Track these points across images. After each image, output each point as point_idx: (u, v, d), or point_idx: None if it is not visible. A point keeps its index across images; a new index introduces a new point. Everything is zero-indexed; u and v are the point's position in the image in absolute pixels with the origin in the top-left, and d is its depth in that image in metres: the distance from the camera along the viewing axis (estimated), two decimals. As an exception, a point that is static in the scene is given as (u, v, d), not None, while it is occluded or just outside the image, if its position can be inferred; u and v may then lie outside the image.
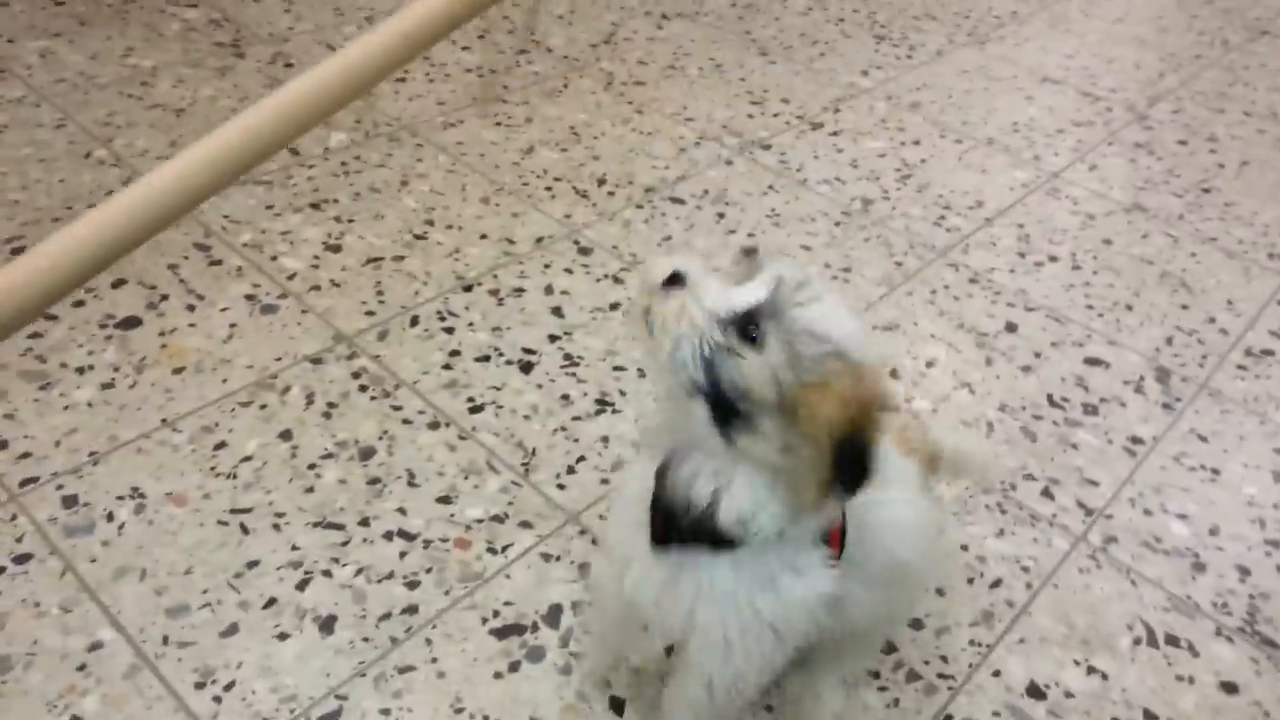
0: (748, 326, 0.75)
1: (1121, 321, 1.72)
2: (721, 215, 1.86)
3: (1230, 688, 1.18)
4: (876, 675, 1.14)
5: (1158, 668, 1.19)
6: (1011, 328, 1.68)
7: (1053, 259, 1.86)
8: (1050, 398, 1.55)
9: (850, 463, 0.75)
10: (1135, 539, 1.34)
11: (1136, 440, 1.49)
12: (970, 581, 1.26)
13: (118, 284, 1.53)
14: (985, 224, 1.93)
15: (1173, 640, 1.22)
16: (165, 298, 1.52)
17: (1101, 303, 1.76)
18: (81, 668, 1.05)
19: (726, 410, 0.76)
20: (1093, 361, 1.63)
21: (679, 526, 0.81)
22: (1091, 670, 1.18)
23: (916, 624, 1.20)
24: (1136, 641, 1.22)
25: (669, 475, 0.81)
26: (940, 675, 1.15)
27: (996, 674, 1.16)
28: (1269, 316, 1.77)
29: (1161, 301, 1.78)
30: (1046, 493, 1.39)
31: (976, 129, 2.24)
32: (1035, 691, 1.15)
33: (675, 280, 0.77)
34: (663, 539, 0.83)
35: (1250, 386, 1.61)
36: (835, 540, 0.86)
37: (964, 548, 1.30)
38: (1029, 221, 1.95)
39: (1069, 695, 1.15)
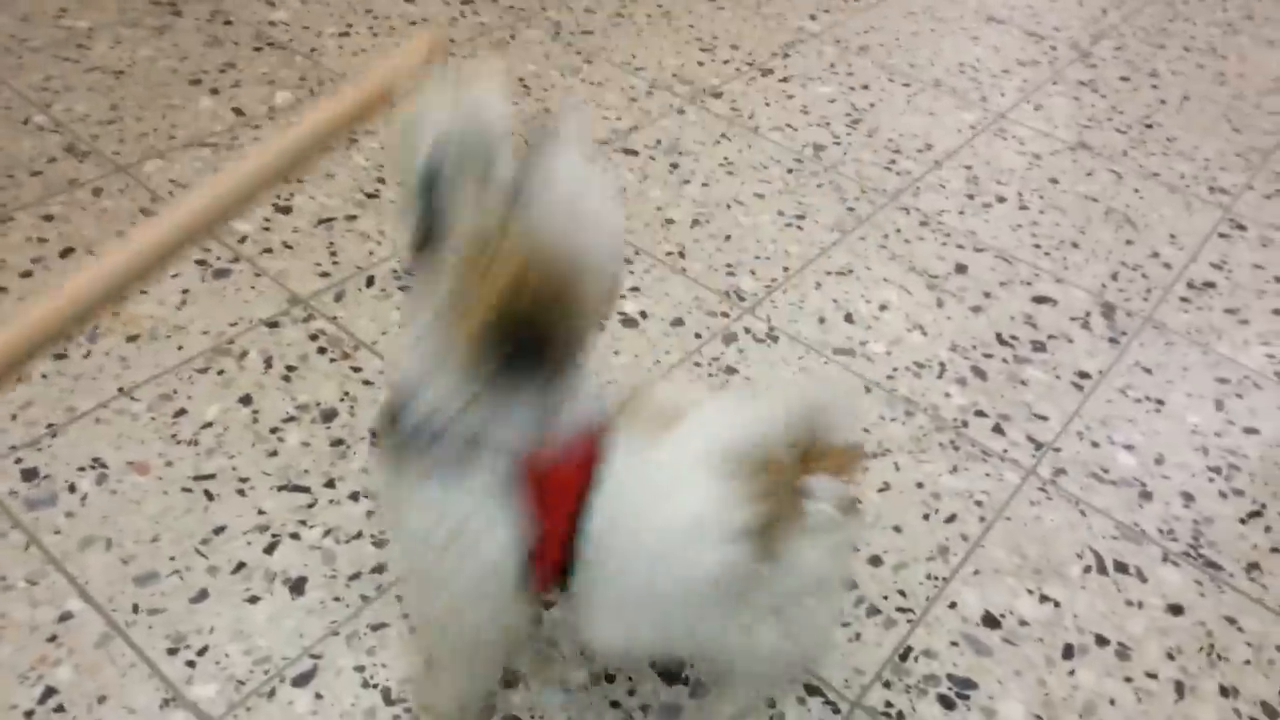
0: (487, 160, 0.68)
1: (1068, 259, 1.76)
2: (675, 166, 1.86)
3: (1176, 609, 1.23)
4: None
5: (1107, 593, 1.24)
6: (961, 269, 1.71)
7: (1000, 200, 1.88)
8: (1000, 336, 1.58)
9: (519, 333, 0.68)
10: (1084, 470, 1.39)
11: (1083, 375, 1.54)
12: (925, 517, 1.30)
13: (65, 253, 1.51)
14: (934, 167, 1.95)
15: (1121, 567, 1.27)
16: (114, 266, 1.50)
17: (1048, 241, 1.79)
18: (52, 639, 1.06)
19: (429, 235, 0.70)
20: (1040, 299, 1.67)
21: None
22: (1044, 598, 1.23)
23: (875, 560, 1.24)
24: (1086, 569, 1.26)
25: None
26: (899, 609, 1.19)
27: (953, 605, 1.20)
28: (1210, 249, 1.82)
29: (1106, 238, 1.82)
30: (997, 429, 1.43)
31: (924, 71, 2.25)
32: (991, 621, 1.19)
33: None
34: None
35: (1193, 318, 1.66)
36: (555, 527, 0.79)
37: (919, 485, 1.34)
38: (977, 163, 1.98)
39: (1023, 623, 1.20)
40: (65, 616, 1.08)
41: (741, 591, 0.84)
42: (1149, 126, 2.14)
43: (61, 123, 1.78)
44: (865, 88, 2.17)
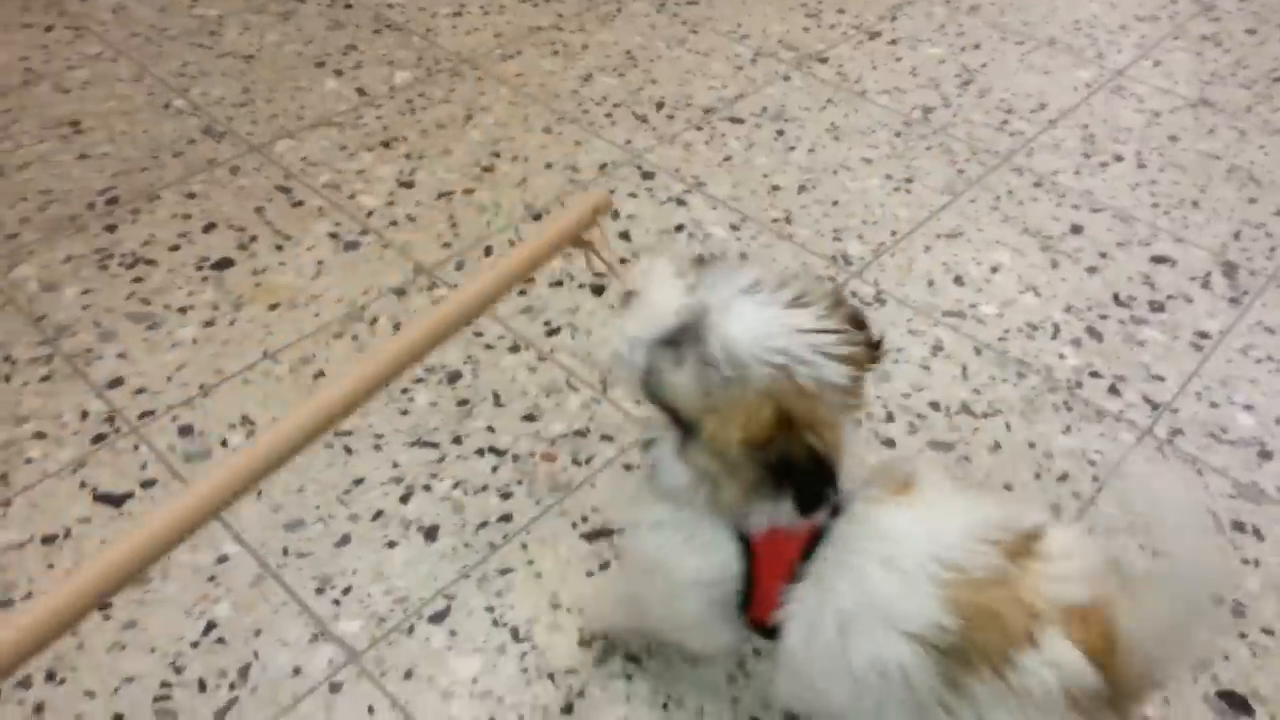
0: (676, 348, 0.79)
1: (1188, 218, 1.72)
2: (781, 132, 1.88)
3: (1297, 569, 1.21)
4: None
5: (1224, 552, 1.23)
6: (1077, 230, 1.69)
7: (1118, 159, 1.84)
8: (1116, 297, 1.56)
9: (783, 473, 0.78)
10: (1201, 430, 1.37)
11: (1203, 335, 1.51)
12: (1038, 476, 1.30)
13: (208, 228, 1.62)
14: (1049, 126, 1.92)
15: (1239, 526, 1.26)
16: (254, 239, 1.60)
17: (1168, 200, 1.75)
18: (211, 579, 1.16)
19: (676, 419, 0.82)
20: (1159, 259, 1.63)
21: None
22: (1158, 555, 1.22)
23: (986, 517, 1.25)
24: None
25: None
26: (1010, 565, 1.20)
27: (1065, 562, 1.21)
28: (1342, 206, 1.75)
29: (1229, 196, 1.76)
30: (1113, 389, 1.42)
31: (1037, 29, 2.21)
32: (1104, 578, 1.19)
33: (628, 301, 0.83)
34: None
35: (1321, 277, 1.61)
36: (782, 566, 0.84)
37: (1031, 445, 1.34)
38: (1093, 122, 1.94)
39: (1137, 580, 1.19)
40: (223, 559, 1.18)
41: (920, 714, 0.80)
42: (1277, 80, 2.06)
43: (199, 106, 1.89)
44: (976, 47, 2.14)
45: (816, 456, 0.78)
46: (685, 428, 0.82)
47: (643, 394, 0.83)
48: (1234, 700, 1.08)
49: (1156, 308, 1.55)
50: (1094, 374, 1.44)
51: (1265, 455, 1.34)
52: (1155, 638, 0.75)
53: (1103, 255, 1.64)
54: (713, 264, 0.84)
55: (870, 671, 0.79)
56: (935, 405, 1.38)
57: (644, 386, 0.82)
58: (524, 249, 0.89)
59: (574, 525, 1.22)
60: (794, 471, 0.78)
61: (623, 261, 0.96)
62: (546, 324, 1.48)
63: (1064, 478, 1.30)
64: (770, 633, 0.87)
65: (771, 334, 0.77)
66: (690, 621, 0.92)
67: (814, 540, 0.83)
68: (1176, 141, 1.89)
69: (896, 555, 0.79)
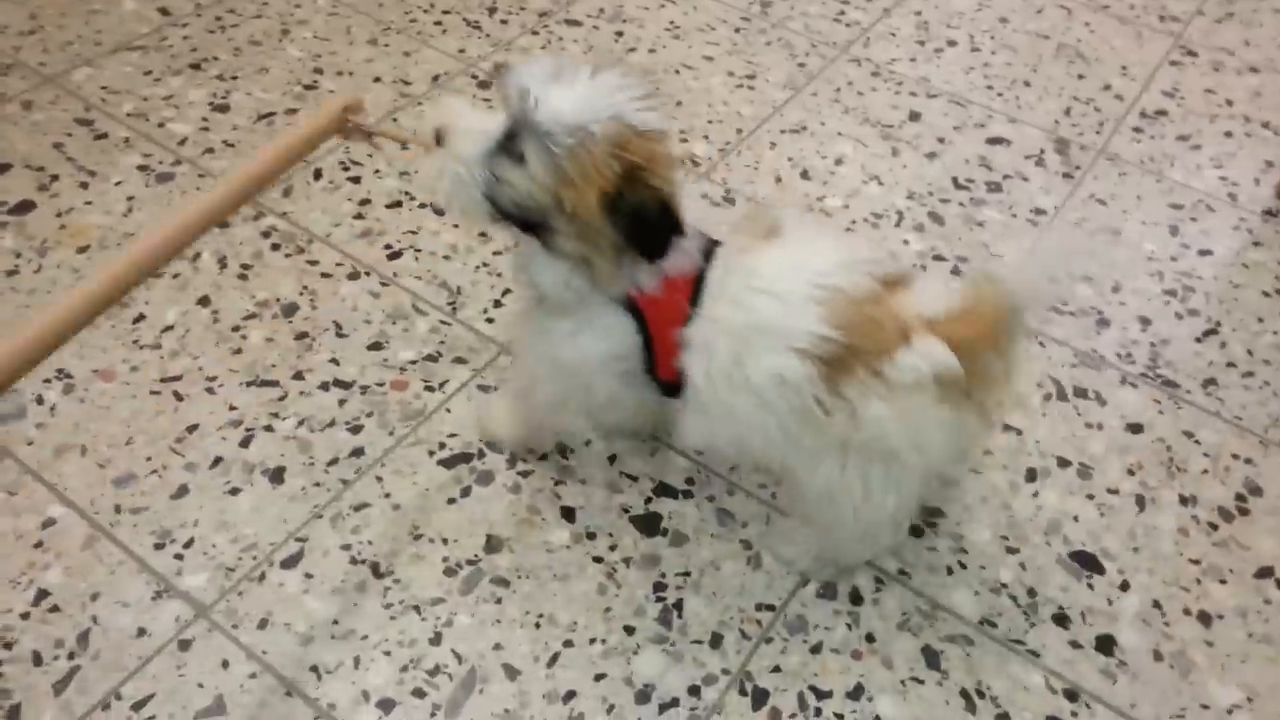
0: (510, 149, 0.84)
1: (1021, 98, 1.75)
2: (620, 34, 1.82)
3: (1136, 428, 1.27)
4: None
5: (1068, 418, 1.28)
6: (915, 117, 1.70)
7: (951, 44, 1.86)
8: (955, 180, 1.59)
9: (635, 226, 0.85)
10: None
11: (1039, 211, 1.55)
12: (891, 361, 1.32)
13: (3, 170, 1.47)
14: (884, 15, 1.92)
15: (1081, 392, 1.31)
16: (55, 178, 1.47)
17: (1001, 82, 1.78)
18: (38, 545, 1.07)
19: (529, 224, 0.87)
20: (995, 141, 1.66)
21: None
22: (1007, 428, 1.26)
23: (843, 406, 1.26)
24: (1047, 397, 1.30)
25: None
26: (868, 450, 1.22)
27: (920, 442, 1.23)
28: (1161, 78, 1.81)
29: (1059, 74, 1.80)
30: (955, 271, 1.44)
31: (869, -82, 2.19)
32: (957, 453, 1.23)
33: (439, 139, 0.87)
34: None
35: (1146, 148, 1.67)
36: (673, 308, 0.91)
37: (883, 331, 1.35)
38: (926, 8, 1.94)
39: (987, 452, 1.23)
40: (48, 523, 1.09)
41: (807, 418, 0.89)
42: (1098, -42, 2.10)
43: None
44: (809, -61, 2.11)
45: (662, 199, 0.85)
46: (541, 228, 0.87)
47: (490, 212, 0.88)
48: (1085, 559, 1.14)
49: (994, 188, 1.58)
50: (938, 257, 1.46)
51: (1103, 323, 1.39)
52: (1024, 292, 0.88)
53: (941, 140, 1.65)
54: (508, 70, 0.86)
55: (766, 386, 0.88)
56: (788, 300, 1.38)
57: (491, 200, 0.86)
58: (270, 150, 0.91)
59: (431, 453, 1.18)
60: (645, 217, 0.84)
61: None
62: (387, 247, 1.41)
63: (915, 360, 1.32)
64: (677, 390, 0.94)
65: (595, 96, 0.83)
66: (608, 399, 0.99)
67: (697, 290, 0.90)
68: (1006, 23, 1.92)
69: (776, 283, 0.88)
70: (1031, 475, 1.21)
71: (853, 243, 0.91)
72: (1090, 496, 1.19)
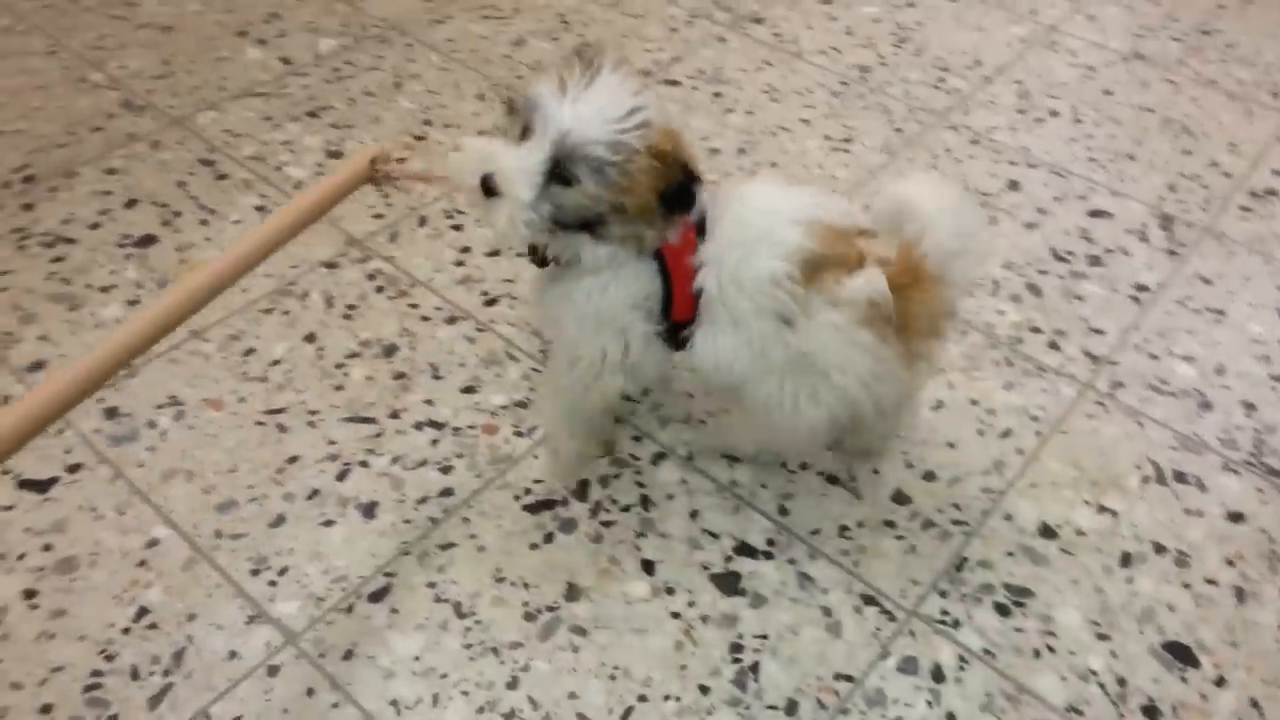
0: (558, 175, 0.93)
1: (1124, 172, 1.73)
2: (718, 94, 1.86)
3: (1236, 517, 1.23)
4: (892, 525, 1.20)
5: (1166, 503, 1.24)
6: (1014, 186, 1.69)
7: (1053, 114, 1.85)
8: (1055, 252, 1.57)
9: (677, 198, 0.98)
10: (1142, 383, 1.38)
11: (1141, 288, 1.52)
12: (980, 433, 1.30)
13: (130, 204, 1.56)
14: (984, 83, 1.92)
15: (1180, 476, 1.27)
16: (178, 214, 1.55)
17: (1104, 154, 1.76)
18: (141, 563, 1.12)
19: (586, 225, 0.97)
20: (1096, 213, 1.64)
21: (538, 258, 1.06)
22: (1102, 509, 1.23)
23: (929, 476, 1.25)
24: (1145, 480, 1.27)
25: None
26: (954, 521, 1.21)
27: (1009, 518, 1.22)
28: (1272, 156, 1.77)
29: (1164, 149, 1.78)
30: (1053, 345, 1.42)
31: (973, -13, 2.20)
32: (1047, 531, 1.20)
33: (489, 188, 0.94)
34: (540, 264, 1.07)
35: (1254, 227, 1.63)
36: (687, 242, 1.04)
37: (973, 402, 1.34)
38: (1028, 77, 1.94)
39: (1080, 533, 1.20)
40: (152, 543, 1.14)
41: (778, 332, 1.03)
42: (1206, 33, 2.08)
43: (117, 79, 1.82)
44: (911, 5, 2.13)
45: (687, 167, 0.98)
46: (593, 224, 0.97)
47: (550, 231, 0.97)
48: (1179, 651, 1.10)
49: (1095, 262, 1.56)
50: (1034, 329, 1.44)
51: (1205, 406, 1.35)
52: (945, 254, 1.02)
53: (1040, 211, 1.64)
54: (521, 103, 0.96)
55: (761, 288, 1.01)
56: (878, 364, 1.38)
57: (552, 224, 0.96)
58: (301, 201, 0.96)
59: (516, 498, 1.20)
60: (684, 188, 0.98)
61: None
62: (484, 294, 1.45)
63: (1007, 434, 1.31)
64: (678, 331, 1.08)
65: (615, 110, 0.94)
66: (643, 342, 1.08)
67: (700, 225, 1.03)
68: (1110, 95, 1.90)
69: (766, 206, 1.04)
70: (1126, 560, 1.18)
71: (827, 193, 1.10)
72: (1187, 585, 1.16)
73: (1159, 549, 1.19)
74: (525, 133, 0.95)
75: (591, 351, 1.08)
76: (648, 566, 1.14)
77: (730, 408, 1.20)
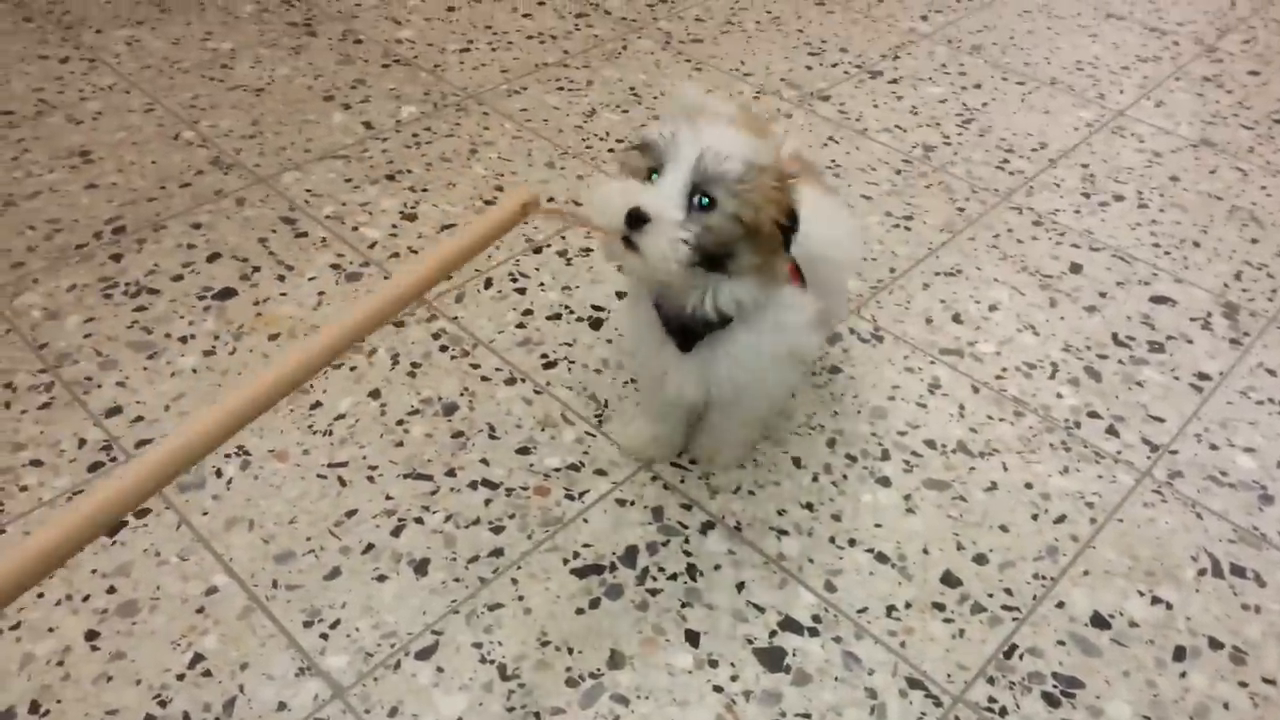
0: (697, 201, 0.99)
1: (1189, 258, 1.71)
2: (782, 169, 1.89)
3: (1298, 615, 1.20)
4: (941, 608, 1.19)
5: (1223, 597, 1.21)
6: (1076, 269, 1.69)
7: (1118, 198, 1.85)
8: (1115, 337, 1.56)
9: (793, 226, 1.04)
10: (1201, 473, 1.36)
11: (1203, 376, 1.50)
12: (1034, 518, 1.29)
13: (212, 258, 1.63)
14: (1049, 165, 1.93)
15: (1239, 570, 1.24)
16: (257, 269, 1.62)
17: (1168, 240, 1.75)
18: (200, 610, 1.15)
19: (714, 260, 1.02)
20: (1159, 299, 1.63)
21: (697, 332, 1.10)
22: (1156, 600, 1.21)
23: (980, 559, 1.24)
24: (1202, 572, 1.24)
25: (668, 305, 1.10)
26: (1005, 607, 1.19)
27: (1060, 605, 1.20)
28: (1344, 248, 1.74)
29: (1230, 237, 1.76)
30: (1111, 430, 1.41)
31: (1039, 69, 2.22)
32: (1100, 621, 1.18)
33: (638, 220, 0.97)
34: (685, 346, 1.12)
35: (1323, 319, 1.60)
36: (795, 274, 1.14)
37: (1028, 485, 1.33)
38: (1094, 161, 1.94)
39: (1133, 624, 1.18)
40: (211, 590, 1.17)
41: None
42: (1278, 122, 2.06)
43: (208, 138, 1.91)
44: (977, 87, 2.15)
45: (789, 205, 1.04)
46: (726, 258, 1.02)
47: (694, 266, 1.01)
48: (1231, 749, 1.07)
49: (1156, 348, 1.54)
50: (1092, 414, 1.43)
51: (1266, 499, 1.33)
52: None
53: (1102, 294, 1.63)
54: (651, 138, 1.02)
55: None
56: (931, 444, 1.38)
57: (696, 255, 1.00)
58: (453, 242, 0.94)
59: (565, 561, 1.22)
60: (792, 218, 1.04)
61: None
62: (544, 356, 1.48)
63: (1061, 519, 1.29)
64: None
65: (739, 139, 1.00)
66: (795, 379, 1.24)
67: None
68: (1177, 181, 1.89)
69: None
70: (1180, 654, 1.15)
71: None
72: (1243, 684, 1.13)
73: (1215, 644, 1.17)
74: (650, 173, 1.01)
75: (784, 385, 1.22)
76: (692, 637, 1.15)
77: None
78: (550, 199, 1.10)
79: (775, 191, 1.01)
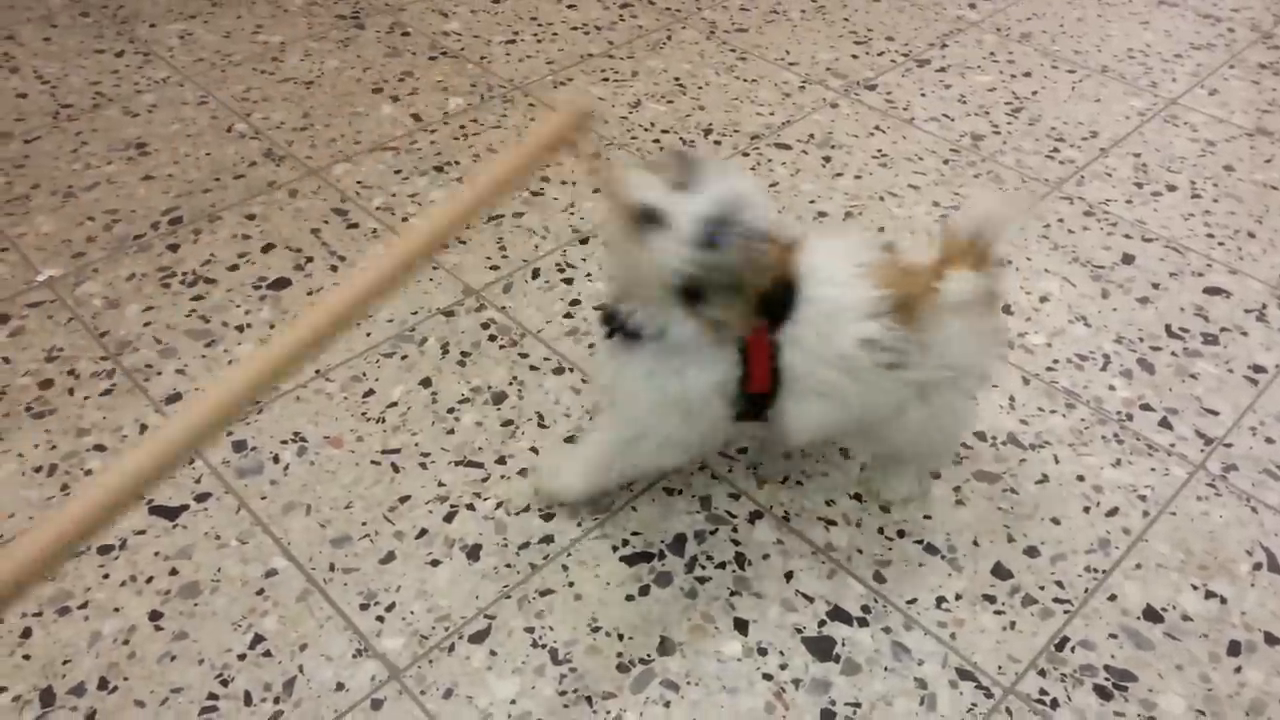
0: (708, 234, 0.97)
1: (1243, 249, 1.69)
2: (827, 159, 1.88)
3: (1356, 611, 1.18)
4: (992, 600, 1.18)
5: (1278, 591, 1.20)
6: (1128, 259, 1.67)
7: (1171, 188, 1.82)
8: (1169, 328, 1.54)
9: (776, 303, 1.03)
10: (1256, 466, 1.34)
11: (1258, 368, 1.48)
12: (1086, 510, 1.28)
13: (267, 249, 1.66)
14: (1100, 155, 1.90)
15: (1295, 565, 1.23)
16: (310, 260, 1.64)
17: (1222, 231, 1.73)
18: (260, 592, 1.18)
19: (689, 293, 1.00)
20: (1213, 291, 1.61)
21: (622, 330, 1.07)
22: (1210, 594, 1.20)
23: (1032, 551, 1.23)
24: (1256, 566, 1.23)
25: (616, 310, 1.08)
26: (1056, 600, 1.19)
27: (1113, 598, 1.19)
28: (1406, 238, 1.71)
29: (1288, 227, 1.73)
30: (1164, 423, 1.40)
31: (1090, 57, 2.19)
32: (1152, 615, 1.18)
33: (655, 219, 0.96)
34: (609, 334, 1.10)
35: (1383, 311, 1.57)
36: (758, 343, 1.06)
37: (1080, 478, 1.32)
38: (1146, 151, 1.92)
39: (1186, 618, 1.17)
40: (271, 573, 1.20)
41: (894, 365, 1.06)
42: (1339, 109, 2.02)
43: (260, 130, 1.94)
44: (1027, 75, 2.13)
45: (789, 281, 1.04)
46: (699, 297, 1.00)
47: (677, 283, 0.98)
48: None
49: (1210, 340, 1.52)
50: (1145, 406, 1.42)
51: (1322, 493, 1.31)
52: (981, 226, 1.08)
53: (1155, 285, 1.61)
54: (690, 159, 1.00)
55: (856, 353, 1.05)
56: (981, 435, 1.37)
57: (685, 278, 0.98)
58: (509, 158, 0.91)
59: (614, 548, 1.23)
60: (786, 295, 1.04)
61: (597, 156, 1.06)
62: (591, 346, 1.49)
63: (1113, 512, 1.28)
64: (761, 405, 1.10)
65: (761, 200, 1.01)
66: (710, 424, 1.12)
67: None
68: (1232, 171, 1.86)
69: (831, 274, 1.06)
70: (1235, 649, 1.14)
71: (851, 236, 1.14)
72: (1301, 681, 1.12)
73: (1270, 639, 1.15)
74: (679, 186, 0.98)
75: (659, 432, 1.12)
76: (741, 626, 1.15)
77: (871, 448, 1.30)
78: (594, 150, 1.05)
79: (778, 261, 1.01)
